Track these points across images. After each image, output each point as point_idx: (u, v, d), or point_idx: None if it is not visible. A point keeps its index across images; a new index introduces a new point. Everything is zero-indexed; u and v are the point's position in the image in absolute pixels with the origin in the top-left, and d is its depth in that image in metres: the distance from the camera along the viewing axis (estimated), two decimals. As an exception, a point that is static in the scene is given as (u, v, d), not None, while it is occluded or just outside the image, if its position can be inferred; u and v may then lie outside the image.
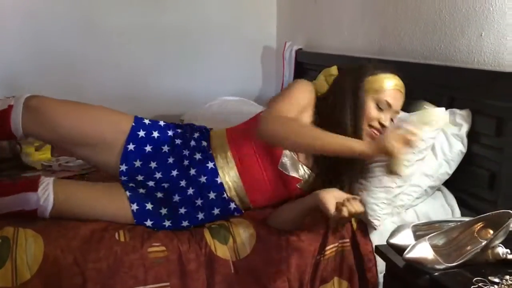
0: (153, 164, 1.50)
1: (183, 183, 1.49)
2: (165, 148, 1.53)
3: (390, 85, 1.50)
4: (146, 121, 1.57)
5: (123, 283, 1.29)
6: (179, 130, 1.59)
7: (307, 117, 1.50)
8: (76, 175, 1.81)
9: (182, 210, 1.47)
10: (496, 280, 0.98)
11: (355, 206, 1.30)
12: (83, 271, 1.26)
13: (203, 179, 1.50)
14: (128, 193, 1.45)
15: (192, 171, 1.50)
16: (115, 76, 2.92)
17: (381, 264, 1.43)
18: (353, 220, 1.50)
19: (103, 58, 2.88)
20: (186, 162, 1.51)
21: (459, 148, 1.52)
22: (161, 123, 1.60)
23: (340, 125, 1.44)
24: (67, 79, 2.78)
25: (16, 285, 1.21)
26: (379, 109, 1.49)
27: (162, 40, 3.00)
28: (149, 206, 1.46)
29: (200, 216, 1.49)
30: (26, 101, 1.47)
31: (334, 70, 1.63)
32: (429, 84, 1.74)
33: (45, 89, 2.59)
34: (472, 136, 1.54)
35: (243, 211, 1.55)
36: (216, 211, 1.51)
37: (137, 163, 1.49)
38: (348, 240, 1.48)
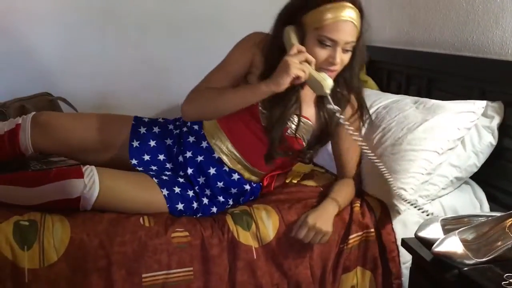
0: (161, 157, 1.56)
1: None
2: (169, 141, 1.59)
3: (332, 18, 1.28)
4: (146, 119, 1.63)
5: (147, 267, 1.29)
6: (177, 123, 1.64)
7: (254, 76, 1.46)
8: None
9: (207, 191, 1.49)
10: (528, 277, 0.96)
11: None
12: (108, 254, 1.27)
13: (200, 158, 1.52)
14: (155, 180, 1.44)
15: (188, 154, 1.53)
16: (136, 65, 2.91)
17: (404, 255, 1.41)
18: (376, 208, 1.49)
19: (123, 47, 2.88)
20: (183, 148, 1.56)
21: (489, 140, 1.49)
22: (160, 119, 1.67)
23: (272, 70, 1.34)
24: (86, 70, 2.79)
25: (43, 267, 1.22)
26: (323, 46, 1.32)
27: (184, 31, 2.98)
28: (177, 189, 1.45)
29: (220, 199, 1.50)
30: (33, 119, 1.53)
31: None
32: (459, 76, 1.70)
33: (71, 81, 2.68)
34: (503, 129, 1.50)
35: (260, 184, 1.57)
36: (224, 186, 1.52)
37: (146, 157, 1.55)
38: (372, 229, 1.46)
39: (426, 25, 1.96)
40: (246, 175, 1.55)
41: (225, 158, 1.52)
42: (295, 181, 1.69)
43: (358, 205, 1.49)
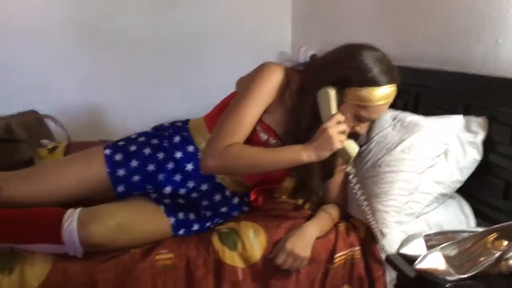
0: (150, 167, 1.50)
1: (177, 176, 1.50)
2: (147, 151, 1.52)
3: (378, 101, 1.30)
4: (120, 143, 1.55)
5: None
6: (151, 132, 1.61)
7: (273, 108, 1.42)
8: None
9: (204, 210, 1.48)
10: (510, 293, 0.96)
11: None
12: (92, 281, 1.25)
13: (189, 166, 1.51)
14: (162, 207, 1.41)
15: (178, 156, 1.51)
16: (128, 82, 2.94)
17: (390, 273, 1.40)
18: (360, 228, 1.48)
19: (110, 64, 2.90)
20: (168, 154, 1.52)
21: (473, 156, 1.49)
22: (133, 135, 1.60)
23: (298, 123, 1.39)
24: (74, 84, 2.80)
25: None
26: (357, 120, 1.37)
27: (174, 47, 3.02)
28: (181, 215, 1.43)
29: (207, 212, 1.48)
30: None
31: None
32: (444, 91, 1.71)
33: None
34: (488, 145, 1.50)
35: (247, 198, 1.56)
36: (207, 188, 1.51)
37: (135, 178, 1.49)
38: (358, 248, 1.45)
39: (412, 42, 1.98)
40: (232, 186, 1.54)
41: None
42: (285, 197, 1.69)
43: (343, 225, 1.49)
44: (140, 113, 2.91)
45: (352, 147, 1.33)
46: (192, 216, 1.45)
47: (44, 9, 2.73)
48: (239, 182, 1.56)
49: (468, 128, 1.52)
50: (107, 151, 1.50)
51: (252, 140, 1.43)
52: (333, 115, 1.29)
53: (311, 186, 1.54)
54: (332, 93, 1.30)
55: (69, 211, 1.29)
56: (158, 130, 1.62)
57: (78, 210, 1.30)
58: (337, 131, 1.27)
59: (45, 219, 1.29)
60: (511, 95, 1.40)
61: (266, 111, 1.42)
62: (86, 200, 1.42)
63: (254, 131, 1.43)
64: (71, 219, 1.26)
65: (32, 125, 1.95)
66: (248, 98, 1.37)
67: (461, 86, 1.63)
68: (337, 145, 1.27)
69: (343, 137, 1.29)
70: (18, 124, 1.87)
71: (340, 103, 1.32)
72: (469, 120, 1.53)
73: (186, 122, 1.64)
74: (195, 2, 3.02)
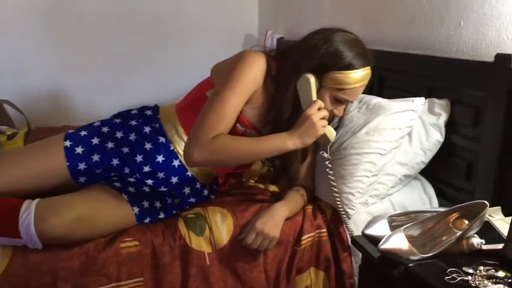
0: (115, 161, 1.47)
1: (146, 168, 1.48)
2: (110, 145, 1.48)
3: (355, 83, 1.34)
4: (82, 133, 1.50)
5: (95, 282, 1.25)
6: (117, 121, 1.55)
7: (254, 98, 1.42)
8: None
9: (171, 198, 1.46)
10: (470, 271, 0.98)
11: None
12: (54, 270, 1.22)
13: (160, 158, 1.49)
14: (125, 196, 1.38)
15: (147, 147, 1.50)
16: (94, 66, 2.86)
17: (357, 255, 1.42)
18: (327, 210, 1.50)
19: (81, 47, 2.82)
20: (138, 147, 1.49)
21: (436, 137, 1.51)
22: (96, 123, 1.55)
23: (280, 111, 1.40)
24: (36, 68, 2.71)
25: None
26: (336, 102, 1.39)
27: (141, 29, 2.95)
28: (145, 204, 1.40)
29: (175, 200, 1.48)
30: None
31: None
32: (408, 73, 1.73)
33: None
34: (451, 126, 1.53)
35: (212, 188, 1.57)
36: (177, 181, 1.49)
37: (98, 171, 1.46)
38: (324, 230, 1.47)
39: (377, 24, 1.98)
40: (203, 178, 1.53)
41: (179, 155, 1.50)
42: (252, 181, 1.69)
43: (311, 207, 1.50)
44: (105, 98, 2.84)
45: (331, 132, 1.37)
46: (158, 204, 1.43)
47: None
48: (209, 172, 1.55)
49: (431, 110, 1.54)
50: (67, 143, 1.46)
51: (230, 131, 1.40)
52: (314, 102, 1.32)
53: (292, 172, 1.53)
54: (312, 80, 1.33)
55: (26, 202, 1.25)
56: (125, 119, 1.56)
57: (35, 201, 1.26)
58: (319, 117, 1.31)
59: (1, 212, 1.24)
60: (473, 77, 1.42)
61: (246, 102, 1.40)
62: (49, 191, 1.38)
63: None
64: (28, 211, 1.22)
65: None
66: (231, 88, 1.34)
67: (424, 68, 1.64)
68: (321, 131, 1.31)
69: (325, 122, 1.33)
70: (-26, 111, 1.79)
71: (319, 88, 1.35)
72: (432, 102, 1.55)
73: (156, 110, 1.59)
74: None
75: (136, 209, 1.37)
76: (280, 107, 1.40)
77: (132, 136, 1.50)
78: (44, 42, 2.73)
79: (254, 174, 1.71)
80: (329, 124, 1.38)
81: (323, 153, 1.41)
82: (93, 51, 2.85)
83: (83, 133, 1.50)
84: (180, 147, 1.50)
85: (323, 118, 1.32)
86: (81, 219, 1.25)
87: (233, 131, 1.41)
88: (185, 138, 1.48)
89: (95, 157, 1.46)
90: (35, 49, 2.71)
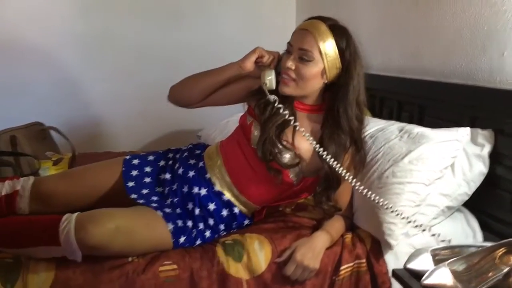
0: (159, 189, 1.56)
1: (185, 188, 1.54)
2: (163, 176, 1.59)
3: (296, 28, 1.47)
4: (135, 161, 1.62)
5: None
6: (169, 155, 1.67)
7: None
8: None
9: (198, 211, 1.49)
10: (519, 309, 0.94)
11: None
12: None
13: (195, 189, 1.52)
14: (160, 213, 1.41)
15: (188, 176, 1.55)
16: (132, 92, 2.94)
17: (397, 287, 1.38)
18: (366, 239, 1.47)
19: (119, 75, 2.91)
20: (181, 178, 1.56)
21: (480, 168, 1.48)
22: (150, 157, 1.66)
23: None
24: (79, 96, 2.81)
25: None
26: (287, 53, 1.46)
27: (176, 59, 3.02)
28: (180, 223, 1.42)
29: (211, 221, 1.48)
30: (33, 187, 1.50)
31: None
32: (450, 103, 1.70)
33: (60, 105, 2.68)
34: (495, 157, 1.49)
35: (250, 218, 1.56)
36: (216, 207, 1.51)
37: (145, 191, 1.53)
38: (364, 260, 1.44)
39: (416, 53, 1.97)
40: (241, 206, 1.54)
41: (215, 179, 1.52)
42: (289, 210, 1.68)
43: (350, 236, 1.48)
44: (142, 124, 2.91)
45: (270, 73, 1.45)
46: (189, 223, 1.44)
47: (49, 25, 2.74)
48: (243, 202, 1.54)
49: (474, 141, 1.51)
50: (126, 163, 1.61)
51: (240, 123, 1.60)
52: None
53: (331, 199, 1.50)
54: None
55: (67, 215, 1.30)
56: (174, 153, 1.68)
57: (76, 213, 1.30)
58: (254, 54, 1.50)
59: (43, 223, 1.30)
60: (517, 108, 1.39)
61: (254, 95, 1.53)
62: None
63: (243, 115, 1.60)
64: (69, 220, 1.27)
65: (37, 137, 1.95)
66: None
67: (467, 98, 1.62)
68: (260, 50, 1.51)
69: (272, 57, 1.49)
70: (23, 137, 1.87)
71: None
72: (475, 132, 1.52)
73: (203, 149, 1.66)
74: (204, 18, 3.03)
75: (170, 226, 1.38)
76: None
77: (180, 171, 1.58)
78: (86, 71, 2.84)
79: (290, 204, 1.70)
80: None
81: (269, 97, 1.44)
82: (131, 78, 2.94)
83: (136, 161, 1.62)
84: (216, 178, 1.54)
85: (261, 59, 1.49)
86: (119, 230, 1.28)
87: (242, 122, 1.59)
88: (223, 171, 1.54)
89: (147, 179, 1.58)
90: (79, 77, 2.82)
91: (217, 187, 1.51)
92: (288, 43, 1.44)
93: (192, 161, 1.59)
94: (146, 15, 2.91)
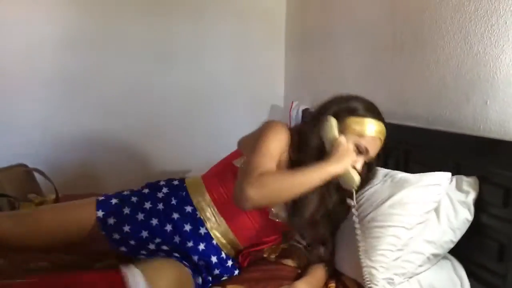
0: (144, 234, 1.50)
1: (176, 239, 1.50)
2: (140, 216, 1.52)
3: (372, 131, 1.45)
4: (113, 201, 1.54)
5: None
6: (145, 191, 1.60)
7: (283, 156, 1.49)
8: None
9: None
10: None
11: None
12: None
13: (187, 227, 1.51)
14: (190, 271, 1.39)
15: (175, 217, 1.52)
16: (119, 134, 2.93)
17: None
18: (351, 286, 1.45)
19: (106, 115, 2.91)
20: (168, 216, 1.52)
21: (465, 216, 1.47)
22: (125, 192, 1.60)
23: (307, 146, 1.46)
24: (65, 136, 2.80)
25: None
26: (357, 152, 1.45)
27: (167, 98, 3.04)
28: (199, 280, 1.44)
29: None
30: None
31: None
32: (434, 149, 1.71)
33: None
34: (480, 205, 1.49)
35: (235, 261, 1.55)
36: (203, 248, 1.49)
37: (131, 242, 1.49)
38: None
39: (401, 99, 2.00)
40: (226, 248, 1.53)
41: (206, 219, 1.52)
42: (273, 256, 1.66)
43: (334, 285, 1.45)
44: (130, 167, 2.90)
45: (356, 174, 1.40)
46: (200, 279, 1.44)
47: (34, 63, 2.74)
48: (234, 244, 1.54)
49: (459, 188, 1.51)
50: (100, 213, 1.50)
51: None
52: (339, 138, 1.42)
53: (320, 252, 1.54)
54: (333, 120, 1.44)
55: (124, 270, 1.24)
56: (152, 190, 1.61)
57: (132, 267, 1.25)
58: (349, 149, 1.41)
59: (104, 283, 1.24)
60: (502, 157, 1.40)
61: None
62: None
63: None
64: (133, 274, 1.22)
65: (20, 179, 1.93)
66: (269, 142, 1.42)
67: (451, 145, 1.63)
68: (354, 158, 1.40)
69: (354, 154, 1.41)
70: (5, 178, 1.85)
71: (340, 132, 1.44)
72: (460, 179, 1.52)
73: (182, 181, 1.64)
74: (194, 58, 3.08)
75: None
76: (305, 148, 1.46)
77: (160, 207, 1.53)
78: (72, 111, 2.83)
79: (274, 250, 1.68)
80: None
81: (350, 201, 1.42)
82: (118, 119, 2.93)
83: (114, 201, 1.55)
84: (206, 215, 1.53)
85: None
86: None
87: None
88: (211, 205, 1.53)
89: (126, 228, 1.49)
90: (65, 118, 2.81)
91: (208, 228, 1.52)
92: (366, 148, 1.45)
93: (174, 201, 1.56)
94: (135, 55, 2.94)
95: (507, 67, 1.46)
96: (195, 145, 3.10)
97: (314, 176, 1.35)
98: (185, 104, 3.11)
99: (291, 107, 2.98)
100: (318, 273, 1.47)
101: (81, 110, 2.85)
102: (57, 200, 1.93)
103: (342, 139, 1.41)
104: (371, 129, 1.45)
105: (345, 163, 1.37)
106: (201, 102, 3.15)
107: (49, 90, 2.78)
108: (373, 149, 1.47)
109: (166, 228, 1.50)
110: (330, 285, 1.46)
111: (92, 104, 2.88)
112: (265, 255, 1.64)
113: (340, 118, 1.45)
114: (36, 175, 2.10)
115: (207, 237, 1.52)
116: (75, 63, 2.81)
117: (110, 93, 2.90)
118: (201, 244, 1.50)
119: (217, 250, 1.53)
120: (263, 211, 1.52)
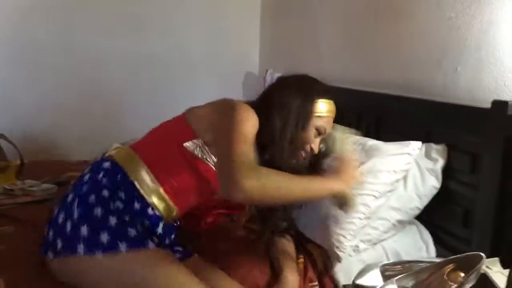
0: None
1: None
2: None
3: (329, 111, 1.38)
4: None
5: None
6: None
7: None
8: (39, 200, 1.72)
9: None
10: (465, 327, 0.93)
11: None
12: None
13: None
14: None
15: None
16: (87, 101, 2.88)
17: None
18: (318, 259, 1.45)
19: (79, 83, 2.84)
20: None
21: (432, 183, 1.48)
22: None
23: (277, 146, 1.33)
24: (35, 103, 2.73)
25: None
26: (317, 134, 1.38)
27: (144, 68, 2.99)
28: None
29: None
30: None
31: None
32: (406, 117, 1.71)
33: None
34: (448, 172, 1.50)
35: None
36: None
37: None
38: (316, 283, 1.40)
39: (374, 67, 1.99)
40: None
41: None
42: (244, 220, 1.63)
43: (302, 260, 1.45)
44: (98, 134, 2.84)
45: (354, 199, 1.29)
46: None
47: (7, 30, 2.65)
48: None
49: (427, 155, 1.51)
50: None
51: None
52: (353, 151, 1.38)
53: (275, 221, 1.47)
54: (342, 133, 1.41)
55: None
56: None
57: None
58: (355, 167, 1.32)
59: None
60: (470, 123, 1.41)
61: None
62: None
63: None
64: None
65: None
66: (243, 128, 1.25)
67: (422, 112, 1.63)
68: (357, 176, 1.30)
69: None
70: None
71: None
72: (429, 147, 1.52)
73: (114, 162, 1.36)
74: (165, 24, 3.01)
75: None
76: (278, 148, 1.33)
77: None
78: (42, 78, 2.76)
79: (246, 214, 1.65)
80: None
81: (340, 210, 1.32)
82: (89, 88, 2.87)
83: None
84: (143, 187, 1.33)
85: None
86: None
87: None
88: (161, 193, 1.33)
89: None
90: (34, 84, 2.74)
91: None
92: (324, 128, 1.37)
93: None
94: (109, 26, 2.87)
95: (478, 32, 1.45)
96: (168, 115, 3.05)
97: (319, 189, 1.25)
98: (158, 73, 3.05)
99: (266, 75, 2.95)
100: (291, 250, 1.45)
101: (52, 77, 2.78)
102: (21, 165, 1.87)
103: (352, 156, 1.34)
104: (327, 109, 1.37)
105: (351, 185, 1.27)
106: (175, 71, 3.09)
107: (18, 53, 2.69)
108: (328, 128, 1.40)
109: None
110: (299, 260, 1.45)
111: (63, 71, 2.80)
112: (235, 219, 1.62)
113: (303, 106, 1.34)
114: (1, 142, 2.03)
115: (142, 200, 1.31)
116: (48, 32, 2.73)
117: (79, 61, 2.83)
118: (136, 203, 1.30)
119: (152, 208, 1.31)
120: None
